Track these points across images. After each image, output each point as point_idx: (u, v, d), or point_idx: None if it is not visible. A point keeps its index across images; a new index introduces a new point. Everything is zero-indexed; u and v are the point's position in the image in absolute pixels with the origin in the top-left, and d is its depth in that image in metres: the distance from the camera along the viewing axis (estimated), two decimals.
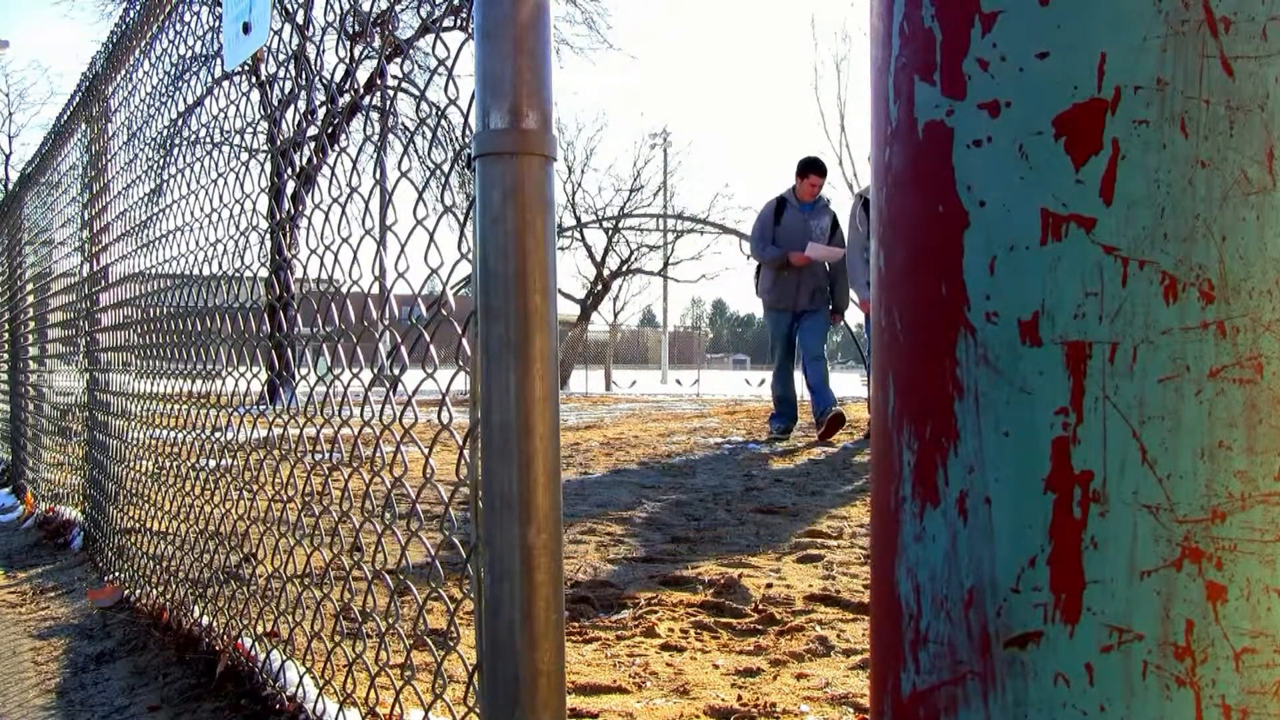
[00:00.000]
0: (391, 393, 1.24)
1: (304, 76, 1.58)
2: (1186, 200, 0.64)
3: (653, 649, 1.87)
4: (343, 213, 1.36)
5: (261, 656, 1.61)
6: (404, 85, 10.92)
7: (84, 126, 3.26)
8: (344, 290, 1.38)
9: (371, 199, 1.29)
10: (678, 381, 26.81)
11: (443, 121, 1.35)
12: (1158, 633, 0.63)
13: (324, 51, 1.47)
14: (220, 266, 1.84)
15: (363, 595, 1.32)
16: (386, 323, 1.42)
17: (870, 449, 0.79)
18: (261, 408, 1.73)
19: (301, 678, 1.48)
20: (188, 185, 2.05)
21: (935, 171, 0.70)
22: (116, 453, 2.76)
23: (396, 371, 1.21)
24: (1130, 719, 0.63)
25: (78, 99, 3.25)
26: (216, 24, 1.82)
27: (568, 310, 20.42)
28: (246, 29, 1.59)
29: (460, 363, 1.02)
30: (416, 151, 11.02)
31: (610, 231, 20.37)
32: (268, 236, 1.70)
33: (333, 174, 1.38)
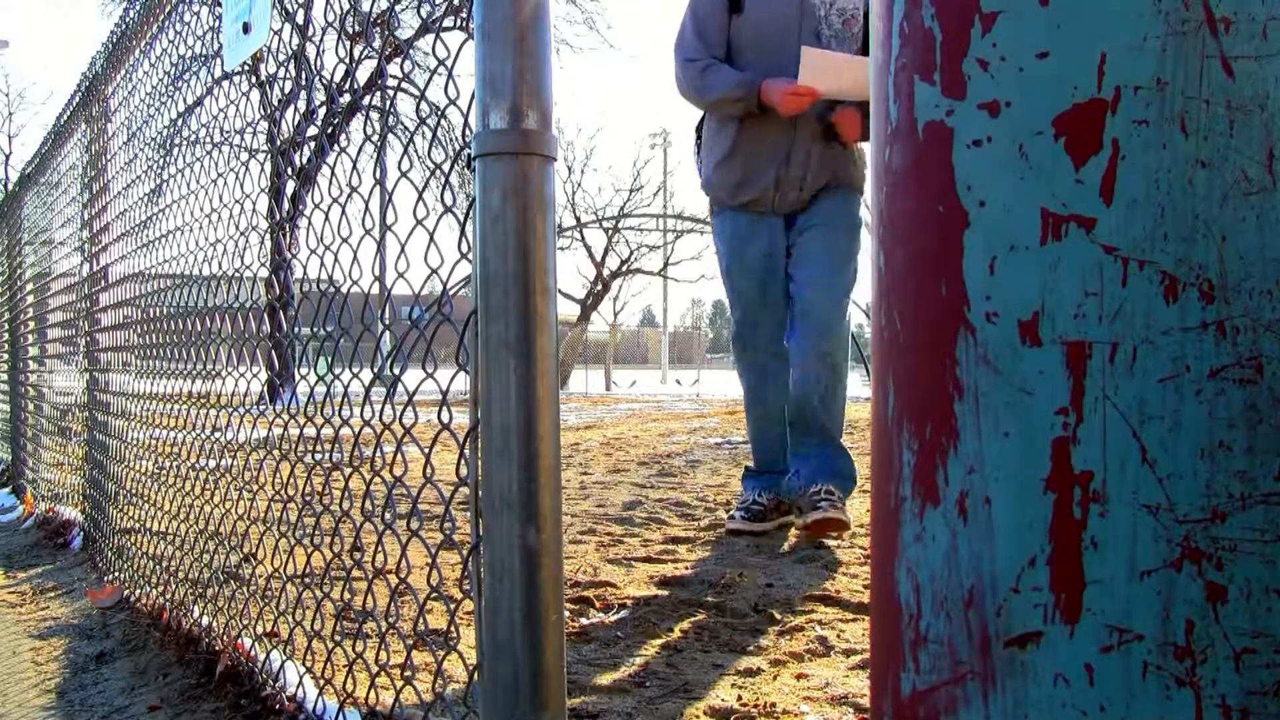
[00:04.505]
0: (391, 393, 1.24)
1: (304, 76, 1.58)
2: (1186, 200, 0.64)
3: (653, 649, 1.87)
4: (343, 213, 1.36)
5: (261, 656, 1.61)
6: (404, 85, 10.94)
7: (84, 126, 3.26)
8: (344, 290, 1.38)
9: (371, 199, 1.29)
10: (677, 381, 26.80)
11: (443, 121, 1.36)
12: (1158, 633, 0.63)
13: (324, 51, 1.47)
14: (220, 266, 1.84)
15: (363, 595, 1.32)
16: (386, 322, 1.42)
17: (870, 449, 0.79)
18: (261, 408, 1.73)
19: (301, 678, 1.48)
20: (187, 185, 2.05)
21: (935, 171, 0.70)
22: (116, 453, 2.76)
23: (396, 371, 1.21)
24: (1130, 719, 0.63)
25: (77, 99, 3.25)
26: (216, 24, 1.82)
27: (568, 310, 20.41)
28: (246, 29, 1.59)
29: (460, 363, 1.02)
30: (416, 151, 11.02)
31: (610, 231, 20.37)
32: (268, 236, 1.70)
33: (333, 174, 1.38)
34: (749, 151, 2.86)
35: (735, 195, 2.90)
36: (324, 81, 1.46)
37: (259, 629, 1.67)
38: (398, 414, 1.19)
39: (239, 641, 1.70)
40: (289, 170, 1.88)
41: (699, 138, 3.06)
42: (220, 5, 1.75)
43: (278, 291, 1.71)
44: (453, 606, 1.87)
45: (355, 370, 1.38)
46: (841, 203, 2.89)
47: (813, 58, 2.56)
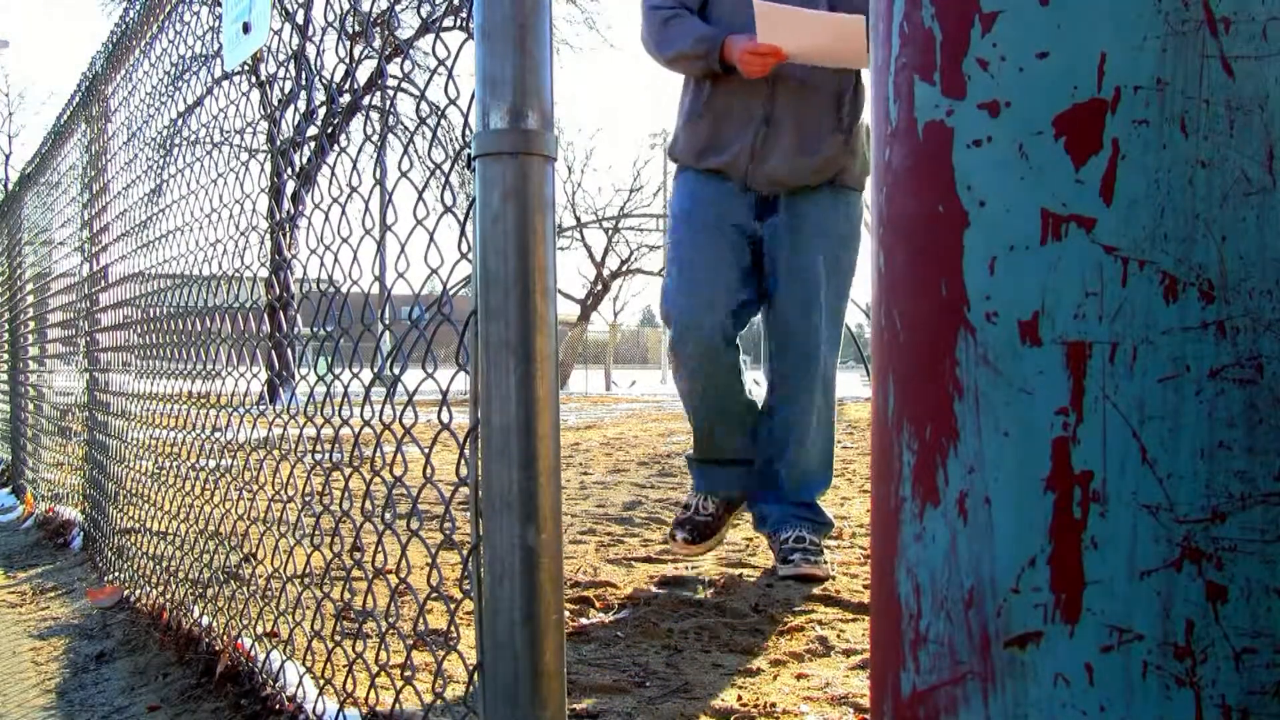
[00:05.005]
0: (391, 393, 1.24)
1: (304, 76, 1.58)
2: (1186, 200, 0.64)
3: (653, 649, 1.87)
4: (343, 213, 1.36)
5: (261, 656, 1.61)
6: (404, 85, 10.93)
7: (84, 126, 3.26)
8: (344, 290, 1.38)
9: (371, 199, 1.29)
10: None
11: (443, 121, 1.34)
12: (1158, 633, 0.63)
13: (324, 51, 1.47)
14: (220, 266, 1.84)
15: (363, 595, 1.32)
16: (386, 322, 1.42)
17: (870, 449, 0.79)
18: (261, 408, 1.73)
19: (301, 678, 1.48)
20: (187, 185, 2.05)
21: (935, 171, 0.70)
22: (116, 453, 2.76)
23: (396, 371, 1.21)
24: (1130, 719, 0.63)
25: (77, 99, 3.25)
26: (216, 24, 1.82)
27: (568, 310, 20.41)
28: (246, 29, 1.59)
29: (460, 363, 1.02)
30: (416, 151, 11.02)
31: (610, 231, 20.37)
32: (268, 236, 1.70)
33: (333, 174, 1.38)
34: (719, 113, 2.41)
35: (701, 159, 2.45)
36: (324, 81, 1.46)
37: (259, 629, 1.67)
38: (398, 414, 1.19)
39: (239, 641, 1.70)
40: (289, 170, 1.88)
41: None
42: (220, 5, 1.75)
43: (278, 291, 1.71)
44: (453, 606, 1.87)
45: (355, 370, 1.38)
46: (831, 206, 2.43)
47: (769, 12, 2.19)
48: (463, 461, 1.02)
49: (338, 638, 1.42)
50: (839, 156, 2.40)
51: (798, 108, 2.37)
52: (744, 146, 2.37)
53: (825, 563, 2.42)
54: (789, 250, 2.41)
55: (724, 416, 2.45)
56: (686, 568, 2.58)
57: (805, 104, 2.37)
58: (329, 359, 1.42)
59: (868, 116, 2.36)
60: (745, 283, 2.41)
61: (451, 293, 1.06)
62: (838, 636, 1.93)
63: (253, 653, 1.65)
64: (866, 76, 2.31)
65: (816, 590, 2.30)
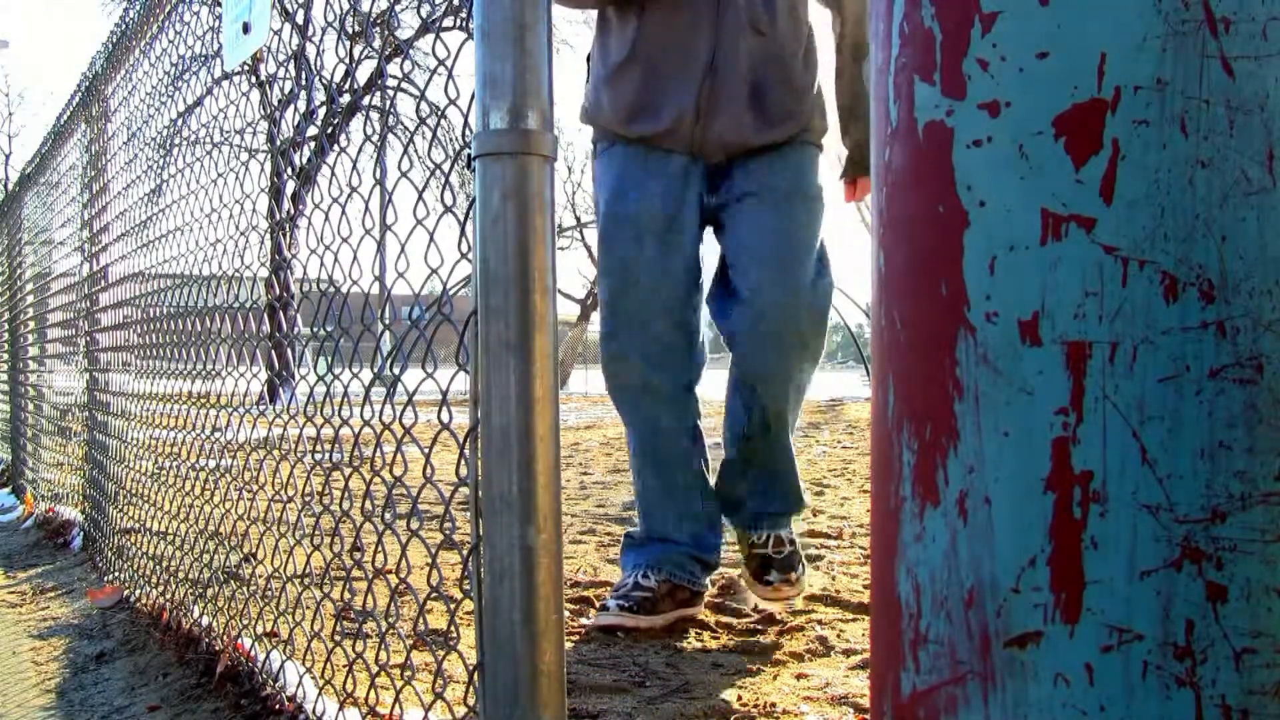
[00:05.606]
0: (391, 393, 1.24)
1: (304, 76, 1.58)
2: (1186, 200, 0.64)
3: (653, 649, 1.87)
4: (343, 213, 1.36)
5: (261, 656, 1.61)
6: (404, 85, 10.94)
7: (84, 126, 3.26)
8: (344, 290, 1.38)
9: (371, 199, 1.29)
10: None
11: (443, 121, 1.32)
12: (1158, 633, 0.63)
13: (324, 51, 1.47)
14: (220, 266, 1.84)
15: (363, 595, 1.32)
16: (386, 322, 1.42)
17: (870, 449, 0.79)
18: (261, 408, 1.73)
19: (301, 678, 1.48)
20: (187, 185, 2.05)
21: (935, 171, 0.70)
22: (116, 453, 2.76)
23: (396, 371, 1.21)
24: (1130, 719, 0.63)
25: (77, 99, 3.25)
26: (216, 24, 1.82)
27: (568, 310, 20.41)
28: (246, 29, 1.59)
29: (460, 363, 1.02)
30: (416, 151, 11.02)
31: None
32: (268, 236, 1.70)
33: (333, 174, 1.38)
34: (652, 59, 1.90)
35: (631, 122, 1.94)
36: (324, 81, 1.46)
37: (259, 629, 1.67)
38: (398, 414, 1.19)
39: (239, 641, 1.70)
40: (289, 170, 1.88)
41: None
42: (220, 5, 1.75)
43: (278, 291, 1.71)
44: (453, 606, 1.87)
45: (355, 370, 1.38)
46: (797, 163, 1.97)
47: None
48: (463, 461, 1.02)
49: (338, 638, 1.42)
50: (797, 109, 1.97)
51: (748, 52, 1.90)
52: (687, 105, 1.90)
53: (806, 567, 2.17)
54: (749, 214, 1.95)
55: (659, 482, 2.02)
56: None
57: (755, 48, 1.91)
58: (329, 359, 1.42)
59: (824, 76, 2.07)
60: (691, 268, 1.97)
61: (451, 293, 1.06)
62: (838, 636, 1.93)
63: (253, 653, 1.65)
64: (822, 29, 2.05)
65: (816, 590, 2.30)
